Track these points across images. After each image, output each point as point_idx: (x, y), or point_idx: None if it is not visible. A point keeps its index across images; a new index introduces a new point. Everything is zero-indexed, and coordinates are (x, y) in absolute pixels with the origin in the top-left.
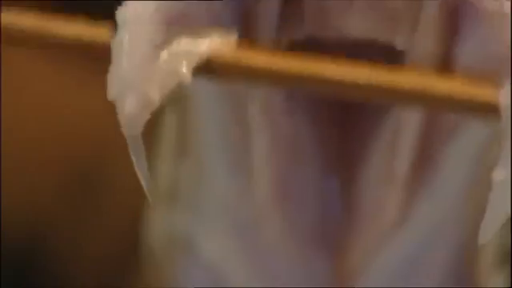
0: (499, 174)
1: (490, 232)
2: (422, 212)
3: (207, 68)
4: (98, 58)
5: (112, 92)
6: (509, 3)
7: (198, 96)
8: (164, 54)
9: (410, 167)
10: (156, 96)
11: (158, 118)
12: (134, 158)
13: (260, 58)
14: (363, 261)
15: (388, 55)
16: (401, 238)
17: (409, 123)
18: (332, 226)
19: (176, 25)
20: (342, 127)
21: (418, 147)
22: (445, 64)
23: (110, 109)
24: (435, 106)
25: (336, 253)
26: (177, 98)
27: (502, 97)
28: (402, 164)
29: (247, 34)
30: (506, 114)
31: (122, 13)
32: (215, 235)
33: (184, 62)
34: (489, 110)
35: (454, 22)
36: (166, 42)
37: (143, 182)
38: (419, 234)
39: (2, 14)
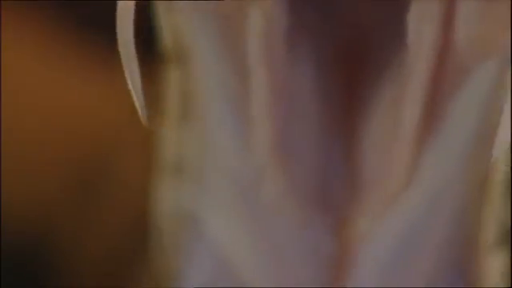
0: None
1: (504, 142)
2: (429, 170)
3: None
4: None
5: None
6: None
7: (199, 53)
8: None
9: (417, 123)
10: None
11: (162, 86)
12: (124, 57)
13: None
14: (369, 222)
15: None
16: (408, 199)
17: (415, 77)
18: (335, 185)
19: None
20: (345, 81)
21: (424, 101)
22: None
23: (111, 107)
24: None
25: (339, 214)
26: (180, 56)
27: None
28: (409, 120)
29: None
30: None
31: None
32: (220, 209)
33: None
34: None
35: None
36: None
37: (135, 97)
38: (426, 193)
39: None
